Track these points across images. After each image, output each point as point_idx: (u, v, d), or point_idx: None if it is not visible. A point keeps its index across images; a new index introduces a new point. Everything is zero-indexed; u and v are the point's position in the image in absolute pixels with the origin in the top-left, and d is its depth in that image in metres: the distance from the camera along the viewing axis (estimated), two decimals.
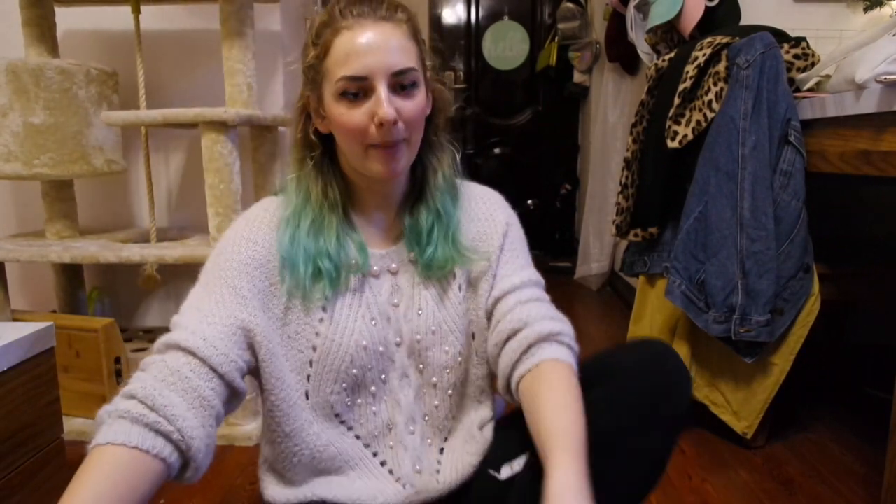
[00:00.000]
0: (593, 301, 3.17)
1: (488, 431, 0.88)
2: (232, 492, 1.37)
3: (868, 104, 1.17)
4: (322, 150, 0.81)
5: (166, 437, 0.65)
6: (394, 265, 0.83)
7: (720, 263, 1.44)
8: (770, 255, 1.40)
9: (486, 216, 0.87)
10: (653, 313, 1.76)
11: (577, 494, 0.63)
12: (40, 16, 1.64)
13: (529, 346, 0.78)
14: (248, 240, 0.78)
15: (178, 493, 1.36)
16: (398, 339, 0.82)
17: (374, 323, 0.81)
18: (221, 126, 1.48)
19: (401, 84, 0.74)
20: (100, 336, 1.56)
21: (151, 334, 1.87)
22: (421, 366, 0.83)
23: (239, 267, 0.76)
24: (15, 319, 1.61)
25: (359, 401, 0.82)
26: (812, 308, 1.45)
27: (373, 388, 0.82)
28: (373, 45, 0.72)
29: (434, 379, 0.84)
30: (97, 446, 0.63)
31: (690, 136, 1.52)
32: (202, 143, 1.50)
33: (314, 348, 0.78)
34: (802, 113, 1.41)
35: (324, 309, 0.78)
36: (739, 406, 1.54)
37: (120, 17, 1.78)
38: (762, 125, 1.39)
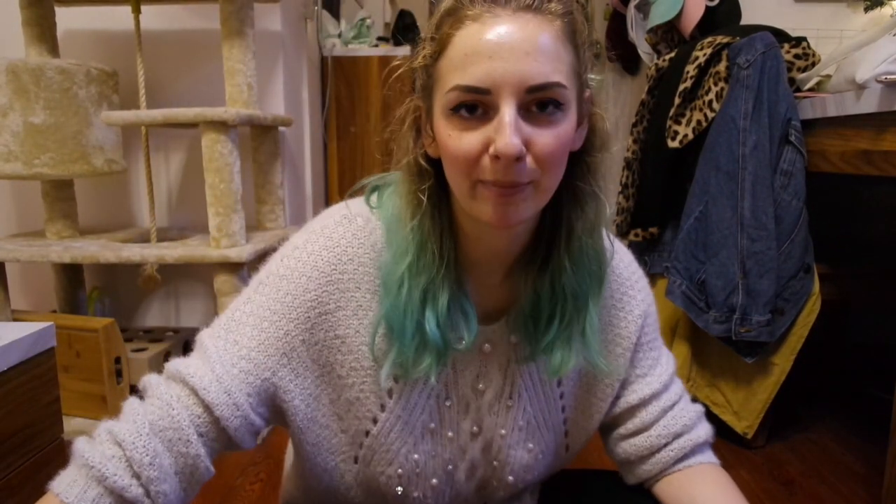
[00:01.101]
0: None
1: (535, 493, 0.78)
2: (232, 492, 1.37)
3: (868, 104, 1.17)
4: (434, 181, 0.59)
5: None
6: (487, 345, 0.65)
7: (720, 263, 1.44)
8: (770, 254, 1.40)
9: (621, 303, 0.68)
10: None
11: None
12: (40, 15, 1.65)
13: (685, 455, 0.70)
14: (327, 276, 0.60)
15: None
16: (475, 429, 0.67)
17: (448, 405, 0.66)
18: (222, 126, 1.48)
19: (539, 104, 0.52)
20: (100, 336, 1.56)
21: (152, 334, 1.87)
22: (496, 462, 0.69)
23: (301, 307, 0.60)
24: (15, 319, 1.61)
25: (415, 494, 0.67)
26: (812, 308, 1.45)
27: (434, 481, 0.67)
28: (504, 45, 0.50)
29: (510, 478, 0.69)
30: (51, 492, 0.53)
31: (691, 136, 1.52)
32: (202, 143, 1.49)
33: (375, 420, 0.64)
34: (803, 113, 1.41)
35: (395, 379, 0.63)
36: (740, 406, 1.54)
37: (120, 17, 1.78)
38: (763, 125, 1.39)
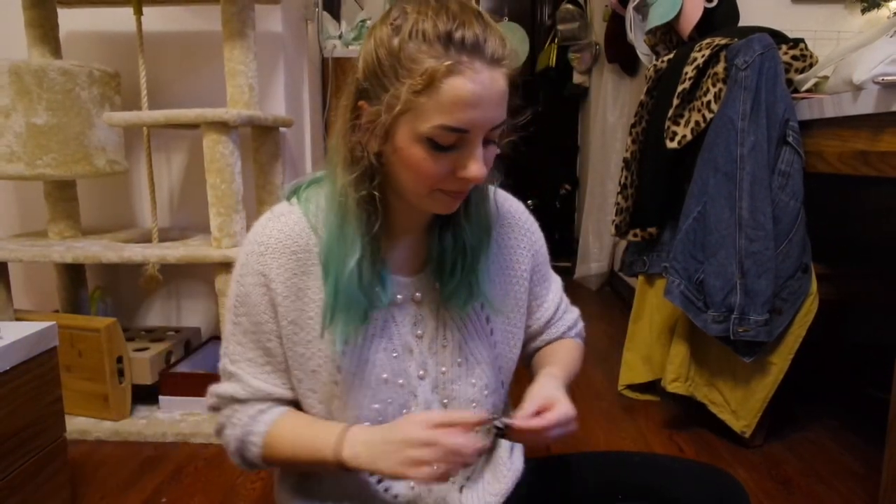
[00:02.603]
0: (593, 301, 3.18)
1: (518, 459, 0.85)
2: (232, 492, 1.37)
3: (866, 105, 1.18)
4: (372, 170, 0.70)
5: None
6: (418, 294, 0.77)
7: (719, 263, 1.45)
8: (768, 255, 1.41)
9: (514, 247, 0.83)
10: (652, 313, 1.76)
11: (557, 383, 0.76)
12: (43, 17, 1.65)
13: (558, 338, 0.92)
14: (264, 277, 0.72)
15: (179, 493, 1.36)
16: (421, 372, 0.77)
17: (395, 355, 0.76)
18: (223, 127, 1.49)
19: (492, 136, 0.67)
20: (102, 336, 1.57)
21: (153, 333, 1.87)
22: (445, 400, 0.78)
23: (262, 314, 0.73)
24: (18, 319, 1.61)
25: None
26: (810, 308, 1.46)
27: None
28: (483, 97, 0.62)
29: None
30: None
31: (689, 137, 1.52)
32: (204, 144, 1.50)
33: (336, 383, 0.74)
34: (801, 114, 1.42)
35: (345, 342, 0.73)
36: (738, 405, 1.54)
37: (122, 19, 1.79)
38: (761, 126, 1.40)
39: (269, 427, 0.74)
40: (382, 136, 0.66)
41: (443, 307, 0.77)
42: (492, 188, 0.79)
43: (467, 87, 0.61)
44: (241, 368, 0.76)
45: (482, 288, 0.76)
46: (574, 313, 0.94)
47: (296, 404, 0.78)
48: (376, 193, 0.69)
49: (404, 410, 0.76)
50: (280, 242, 0.72)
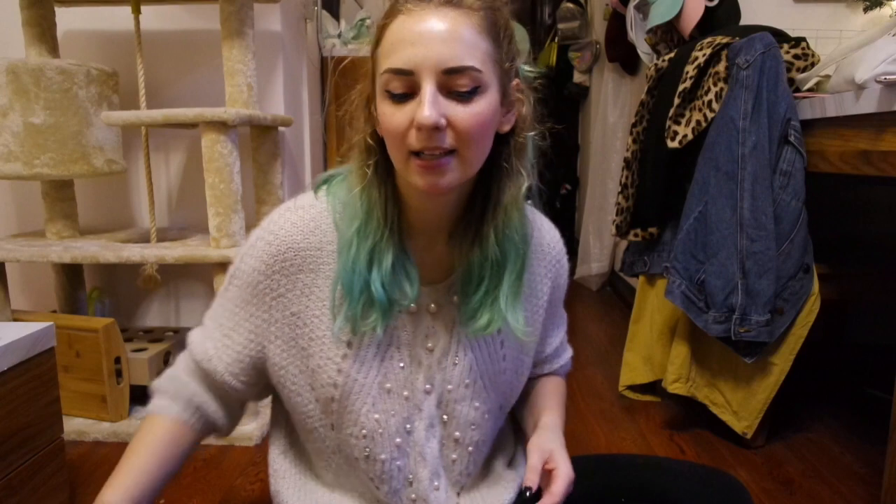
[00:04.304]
0: (593, 301, 3.18)
1: (520, 466, 0.85)
2: (232, 492, 1.37)
3: (868, 104, 1.17)
4: (379, 157, 0.68)
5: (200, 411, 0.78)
6: (433, 305, 0.73)
7: (720, 263, 1.44)
8: (770, 255, 1.40)
9: (540, 275, 0.80)
10: (653, 313, 1.76)
11: (557, 436, 0.77)
12: (40, 16, 1.65)
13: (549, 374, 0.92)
14: (271, 267, 0.71)
15: (179, 493, 1.36)
16: (428, 387, 0.74)
17: (402, 365, 0.72)
18: (221, 126, 1.48)
19: (456, 86, 0.60)
20: (100, 336, 1.56)
21: (151, 334, 1.87)
22: (445, 417, 0.76)
23: (258, 295, 0.72)
24: (15, 319, 1.61)
25: (382, 456, 0.73)
26: (812, 308, 1.45)
27: (398, 440, 0.73)
28: (424, 34, 0.59)
29: (457, 434, 0.76)
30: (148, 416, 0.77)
31: (690, 136, 1.52)
32: (202, 143, 1.50)
33: (335, 385, 0.71)
34: (802, 113, 1.41)
35: (349, 344, 0.70)
36: (739, 406, 1.54)
37: (120, 18, 1.78)
38: (762, 125, 1.39)
39: (153, 406, 0.78)
40: (375, 112, 0.66)
41: (459, 324, 0.74)
42: (527, 207, 0.74)
43: (405, 26, 0.60)
44: (205, 325, 0.79)
45: (505, 313, 0.70)
46: (569, 352, 0.94)
47: (209, 421, 0.79)
48: (388, 188, 0.68)
49: (408, 425, 0.74)
50: (291, 237, 0.70)
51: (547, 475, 0.72)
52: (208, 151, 1.49)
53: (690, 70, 1.51)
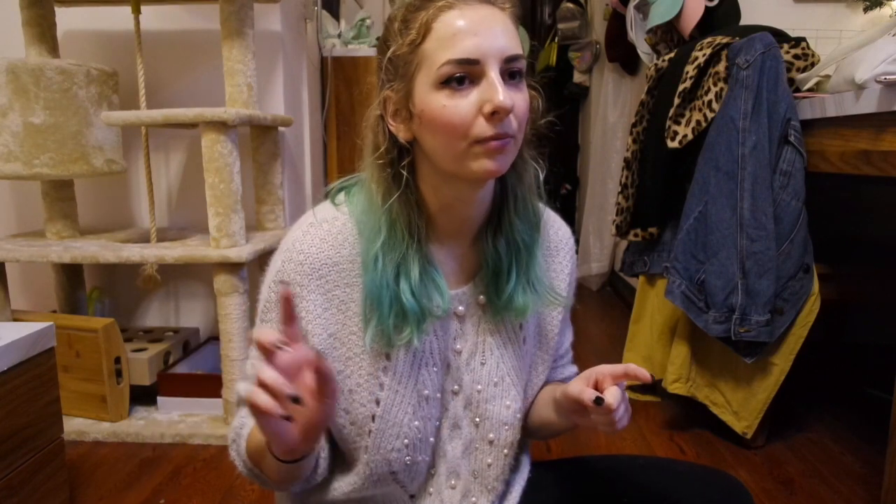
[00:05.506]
0: (593, 301, 3.17)
1: (525, 469, 0.84)
2: (232, 492, 1.37)
3: (868, 104, 1.17)
4: (405, 164, 0.68)
5: None
6: (461, 308, 0.74)
7: (720, 263, 1.44)
8: (770, 255, 1.40)
9: (559, 271, 0.80)
10: (653, 313, 1.76)
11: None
12: (40, 16, 1.65)
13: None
14: (305, 288, 0.67)
15: (177, 494, 1.36)
16: (455, 388, 0.75)
17: (435, 370, 0.73)
18: (221, 126, 1.48)
19: (511, 72, 0.62)
20: (100, 336, 1.56)
21: (151, 334, 1.87)
22: (478, 419, 0.75)
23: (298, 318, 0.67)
24: (15, 319, 1.61)
25: (418, 458, 0.73)
26: (812, 308, 1.45)
27: (431, 440, 0.74)
28: (482, 25, 0.61)
29: (491, 435, 0.76)
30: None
31: (690, 136, 1.52)
32: (202, 143, 1.50)
33: (377, 402, 0.70)
34: (802, 113, 1.41)
35: (387, 357, 0.69)
36: (739, 406, 1.54)
37: (120, 18, 1.78)
38: (762, 125, 1.39)
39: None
40: (407, 111, 0.65)
41: (485, 323, 0.74)
42: (539, 204, 0.75)
43: (463, 17, 0.61)
44: (247, 374, 0.71)
45: (540, 286, 0.73)
46: (574, 369, 0.90)
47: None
48: (413, 196, 0.67)
49: (437, 423, 0.74)
50: (322, 252, 0.67)
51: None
52: (208, 151, 1.49)
53: (690, 70, 1.51)
